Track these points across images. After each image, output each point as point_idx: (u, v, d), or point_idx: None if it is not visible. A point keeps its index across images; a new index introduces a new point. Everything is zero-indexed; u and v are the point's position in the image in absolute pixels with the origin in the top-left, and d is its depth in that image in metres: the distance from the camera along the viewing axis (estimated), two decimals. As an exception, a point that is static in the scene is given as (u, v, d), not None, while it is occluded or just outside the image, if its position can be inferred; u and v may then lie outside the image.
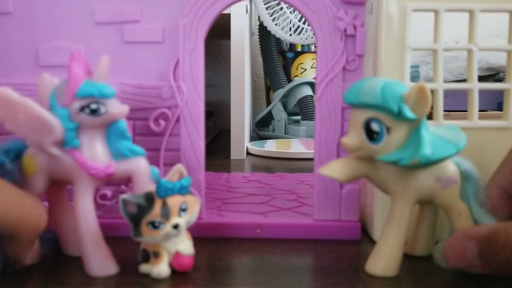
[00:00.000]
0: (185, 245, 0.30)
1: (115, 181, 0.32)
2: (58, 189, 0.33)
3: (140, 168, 0.32)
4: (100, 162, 0.30)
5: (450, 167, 0.30)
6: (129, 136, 0.31)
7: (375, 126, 0.29)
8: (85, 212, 0.30)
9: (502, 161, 0.33)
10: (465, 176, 0.31)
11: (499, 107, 0.72)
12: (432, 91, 0.35)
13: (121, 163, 0.31)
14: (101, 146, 0.31)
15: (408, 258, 0.33)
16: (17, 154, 0.31)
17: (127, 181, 0.32)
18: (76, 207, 0.30)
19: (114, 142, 0.31)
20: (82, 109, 0.30)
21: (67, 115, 0.30)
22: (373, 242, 0.36)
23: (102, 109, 0.30)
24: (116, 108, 0.30)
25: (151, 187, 0.30)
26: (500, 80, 0.85)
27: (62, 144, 0.30)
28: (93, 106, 0.30)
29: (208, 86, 0.51)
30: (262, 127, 1.04)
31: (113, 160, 0.31)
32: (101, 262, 0.30)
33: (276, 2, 0.90)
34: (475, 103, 0.36)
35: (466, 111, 0.37)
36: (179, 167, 0.31)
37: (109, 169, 0.30)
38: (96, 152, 0.30)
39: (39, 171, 0.31)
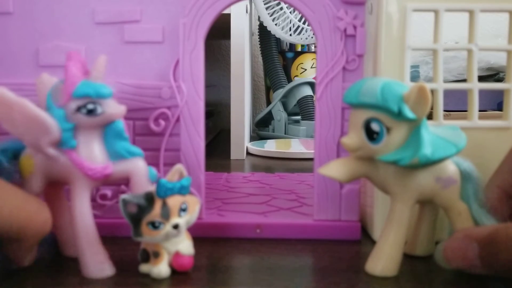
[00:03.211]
0: (185, 245, 0.30)
1: (113, 182, 0.32)
2: (56, 189, 0.33)
3: (138, 169, 0.31)
4: (97, 162, 0.30)
5: (450, 167, 0.30)
6: (127, 136, 0.31)
7: (375, 126, 0.29)
8: (81, 213, 0.30)
9: (502, 161, 0.33)
10: (465, 176, 0.31)
11: (499, 107, 0.72)
12: (432, 91, 0.35)
13: (118, 164, 0.31)
14: (98, 147, 0.30)
15: (408, 258, 0.33)
16: (15, 154, 0.31)
17: (126, 181, 0.32)
18: (73, 208, 0.30)
19: (111, 143, 0.31)
20: (78, 109, 0.29)
21: (63, 115, 0.29)
22: (373, 242, 0.36)
23: (99, 109, 0.30)
24: (113, 108, 0.30)
25: (149, 188, 0.30)
26: (500, 80, 0.85)
27: (59, 144, 0.30)
28: (90, 106, 0.29)
29: (208, 86, 0.51)
30: (262, 127, 1.04)
31: (111, 160, 0.31)
32: (97, 263, 0.30)
33: (276, 2, 0.90)
34: (475, 103, 0.36)
35: (466, 111, 0.37)
36: (179, 167, 0.30)
37: (106, 169, 0.30)
38: (93, 153, 0.30)
39: (36, 172, 0.30)
